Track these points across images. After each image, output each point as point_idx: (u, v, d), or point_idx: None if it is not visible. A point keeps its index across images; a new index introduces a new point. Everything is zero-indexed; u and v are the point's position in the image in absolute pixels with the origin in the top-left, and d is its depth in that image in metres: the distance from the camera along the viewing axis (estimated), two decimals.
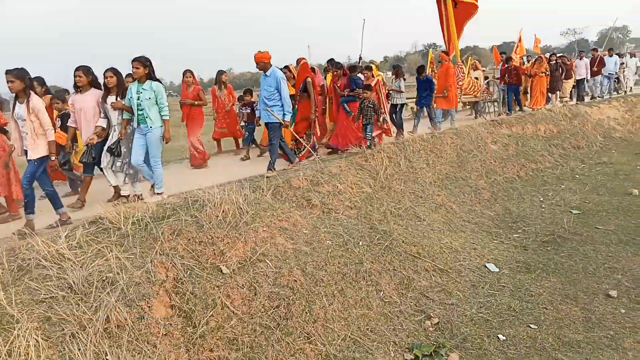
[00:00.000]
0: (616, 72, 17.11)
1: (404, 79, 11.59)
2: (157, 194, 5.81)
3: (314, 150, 8.12)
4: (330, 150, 8.42)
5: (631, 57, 19.32)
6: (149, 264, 3.87)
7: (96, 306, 3.32)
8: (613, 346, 4.22)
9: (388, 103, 9.69)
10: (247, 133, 9.46)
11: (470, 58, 14.39)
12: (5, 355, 2.83)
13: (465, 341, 4.38)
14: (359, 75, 8.84)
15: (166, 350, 3.31)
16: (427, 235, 6.26)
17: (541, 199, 8.47)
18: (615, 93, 17.17)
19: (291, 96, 7.68)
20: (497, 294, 5.21)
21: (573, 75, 15.04)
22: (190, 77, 8.42)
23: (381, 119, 8.32)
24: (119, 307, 3.31)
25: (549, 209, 7.94)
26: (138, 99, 5.59)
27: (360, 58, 10.65)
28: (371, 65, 9.84)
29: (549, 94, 14.04)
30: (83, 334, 3.09)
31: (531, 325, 4.60)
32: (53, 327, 3.12)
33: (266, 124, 7.21)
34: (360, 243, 5.48)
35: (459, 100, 12.11)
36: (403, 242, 5.80)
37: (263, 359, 3.73)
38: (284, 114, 7.01)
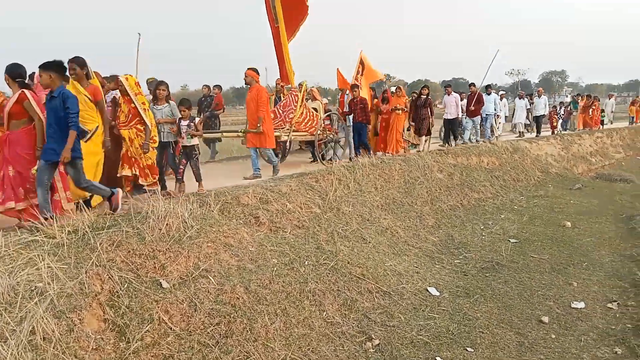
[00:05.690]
0: (496, 113, 14.42)
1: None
2: None
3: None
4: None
5: (520, 98, 16.91)
6: (83, 274, 3.69)
7: (22, 316, 3.12)
8: None
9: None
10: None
11: (304, 83, 10.22)
12: None
13: None
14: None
15: None
16: (372, 258, 6.33)
17: (482, 227, 8.79)
18: (474, 140, 13.81)
19: None
20: (436, 317, 5.31)
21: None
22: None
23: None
24: (46, 319, 3.12)
25: (489, 237, 8.25)
26: None
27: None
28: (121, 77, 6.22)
29: (419, 137, 11.78)
30: (4, 346, 2.89)
31: (468, 349, 4.71)
32: None
33: None
34: (306, 262, 5.47)
35: (287, 138, 9.68)
36: (348, 263, 5.84)
37: None
38: None
